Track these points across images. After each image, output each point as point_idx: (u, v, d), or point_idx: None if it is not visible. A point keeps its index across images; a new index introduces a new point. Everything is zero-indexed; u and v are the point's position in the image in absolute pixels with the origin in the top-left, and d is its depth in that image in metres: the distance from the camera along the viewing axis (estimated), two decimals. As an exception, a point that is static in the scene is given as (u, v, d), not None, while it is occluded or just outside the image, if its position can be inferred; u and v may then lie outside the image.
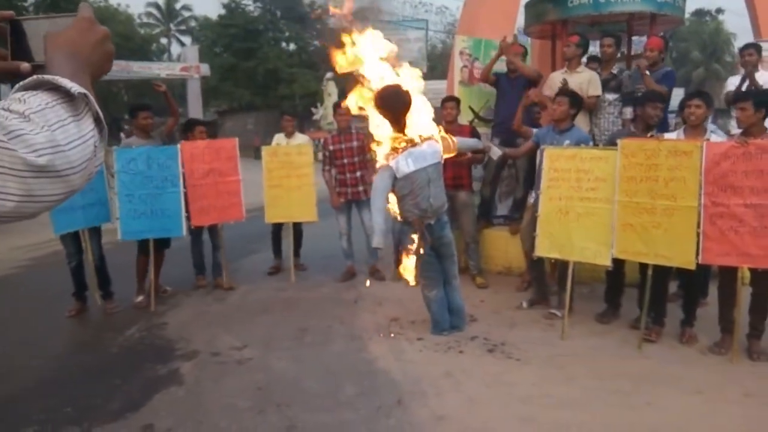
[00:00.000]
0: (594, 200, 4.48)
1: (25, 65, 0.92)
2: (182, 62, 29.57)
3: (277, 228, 6.83)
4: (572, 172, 4.59)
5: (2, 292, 6.43)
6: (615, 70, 6.30)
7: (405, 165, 4.35)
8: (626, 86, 6.06)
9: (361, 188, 6.36)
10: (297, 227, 6.74)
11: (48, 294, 6.08)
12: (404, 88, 4.40)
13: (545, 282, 5.43)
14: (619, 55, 6.83)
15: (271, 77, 35.29)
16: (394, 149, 4.43)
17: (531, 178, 6.11)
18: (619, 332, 4.64)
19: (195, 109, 27.54)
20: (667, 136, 4.66)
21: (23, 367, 4.28)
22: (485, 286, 5.97)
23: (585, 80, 6.01)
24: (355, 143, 6.35)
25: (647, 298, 4.34)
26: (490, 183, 6.59)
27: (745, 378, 3.76)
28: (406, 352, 4.33)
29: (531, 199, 5.27)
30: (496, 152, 5.48)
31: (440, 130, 4.77)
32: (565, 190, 4.61)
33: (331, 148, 6.46)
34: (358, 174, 6.35)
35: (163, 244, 5.81)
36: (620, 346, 4.36)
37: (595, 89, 5.96)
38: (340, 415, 3.40)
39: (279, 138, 6.92)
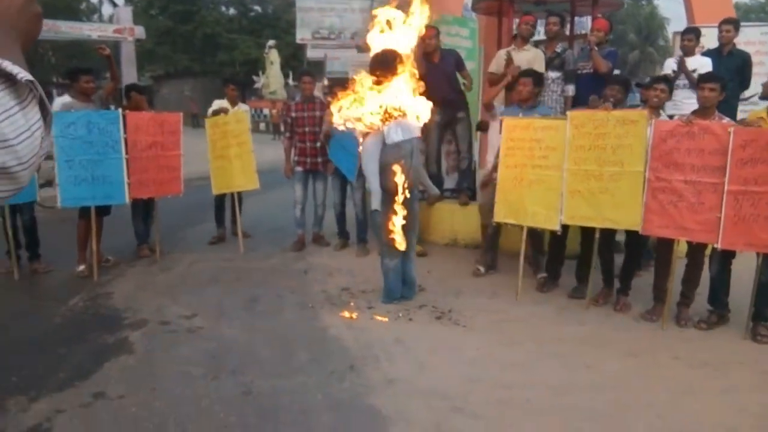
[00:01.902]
0: (545, 168, 4.72)
1: None
2: (115, 24, 28.10)
3: (220, 198, 6.76)
4: (526, 141, 4.83)
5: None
6: (558, 49, 6.50)
7: (395, 133, 4.42)
8: (569, 64, 6.28)
9: (319, 159, 6.40)
10: (238, 196, 6.67)
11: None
12: (399, 54, 4.36)
13: (497, 246, 5.68)
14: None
15: (210, 42, 34.09)
16: (388, 116, 4.44)
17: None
18: (559, 301, 4.90)
19: (129, 73, 26.30)
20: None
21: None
22: (423, 254, 6.08)
23: (531, 58, 6.18)
24: (317, 113, 6.35)
25: (592, 263, 4.65)
26: (435, 160, 6.72)
27: (675, 343, 4.07)
28: (357, 320, 4.43)
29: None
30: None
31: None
32: (520, 158, 4.86)
33: (293, 115, 6.45)
34: (318, 144, 6.35)
35: (103, 211, 5.65)
36: (559, 314, 4.62)
37: (540, 66, 6.14)
38: (295, 380, 3.48)
39: (221, 103, 6.76)
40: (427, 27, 6.31)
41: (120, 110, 5.58)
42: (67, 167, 5.29)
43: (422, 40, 6.12)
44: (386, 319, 4.43)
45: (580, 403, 3.22)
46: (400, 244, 4.48)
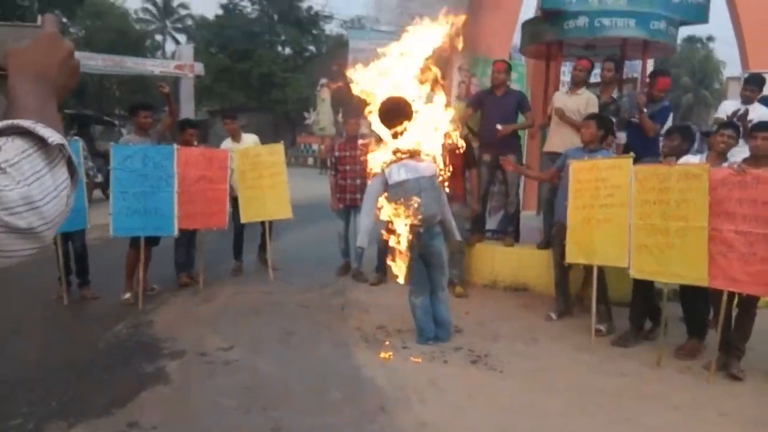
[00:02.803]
0: (611, 206, 4.70)
1: None
2: (177, 60, 29.46)
3: (240, 229, 6.89)
4: (592, 182, 4.87)
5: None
6: (615, 95, 6.44)
7: (397, 174, 4.46)
8: (624, 111, 6.22)
9: (358, 196, 6.54)
10: (269, 225, 6.84)
11: (35, 286, 6.06)
12: (405, 100, 4.46)
13: (569, 292, 5.60)
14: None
15: (265, 80, 35.32)
16: (393, 159, 4.52)
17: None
18: (602, 350, 4.73)
19: (187, 107, 27.41)
20: (687, 159, 4.84)
21: (8, 359, 4.27)
22: (464, 295, 6.06)
23: (583, 102, 6.17)
24: (358, 152, 6.54)
25: (663, 316, 4.52)
26: (482, 198, 6.69)
27: (721, 398, 3.86)
28: (391, 360, 4.39)
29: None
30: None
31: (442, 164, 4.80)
32: (588, 199, 4.88)
33: (336, 154, 6.77)
34: (358, 182, 6.56)
35: (152, 241, 5.85)
36: (601, 363, 4.45)
37: (592, 111, 6.10)
38: (325, 418, 3.45)
39: (226, 143, 6.93)
40: (498, 61, 6.43)
41: (175, 145, 5.81)
42: (121, 198, 5.53)
43: (494, 70, 6.26)
44: (420, 361, 4.37)
45: (619, 460, 3.07)
46: (396, 275, 4.54)
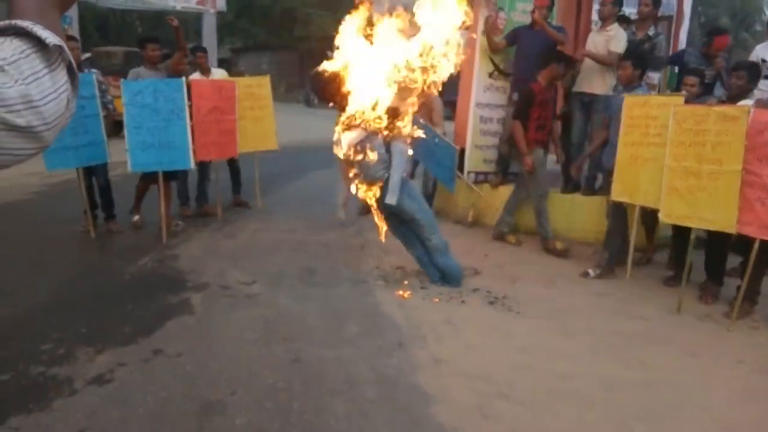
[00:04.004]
0: (658, 146, 4.59)
1: None
2: (198, -5, 28.89)
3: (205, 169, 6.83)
4: (642, 119, 4.78)
5: (17, 217, 6.56)
6: (651, 32, 6.17)
7: (336, 148, 4.42)
8: (659, 49, 5.98)
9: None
10: (233, 165, 6.98)
11: (61, 220, 6.22)
12: (325, 80, 4.25)
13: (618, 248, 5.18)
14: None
15: (288, 17, 34.53)
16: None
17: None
18: (621, 293, 4.73)
19: (210, 44, 27.06)
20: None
21: (39, 289, 4.42)
22: (565, 250, 5.68)
23: (610, 36, 5.94)
24: None
25: (688, 262, 4.46)
26: (507, 140, 6.57)
27: (740, 346, 3.86)
28: (409, 298, 4.45)
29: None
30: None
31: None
32: (637, 136, 4.81)
33: None
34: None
35: (170, 176, 5.96)
36: (620, 307, 4.46)
37: (616, 45, 5.87)
38: (343, 351, 3.54)
39: (194, 76, 6.83)
40: None
41: (183, 78, 5.83)
42: (135, 133, 5.57)
43: (535, 8, 6.04)
44: (438, 300, 4.42)
45: (631, 400, 3.11)
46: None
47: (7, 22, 0.78)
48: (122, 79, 5.82)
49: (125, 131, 5.58)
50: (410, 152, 4.74)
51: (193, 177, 6.67)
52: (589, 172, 6.31)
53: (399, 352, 3.55)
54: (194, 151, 5.86)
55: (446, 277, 4.73)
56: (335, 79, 4.24)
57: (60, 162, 5.36)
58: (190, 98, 5.80)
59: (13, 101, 0.72)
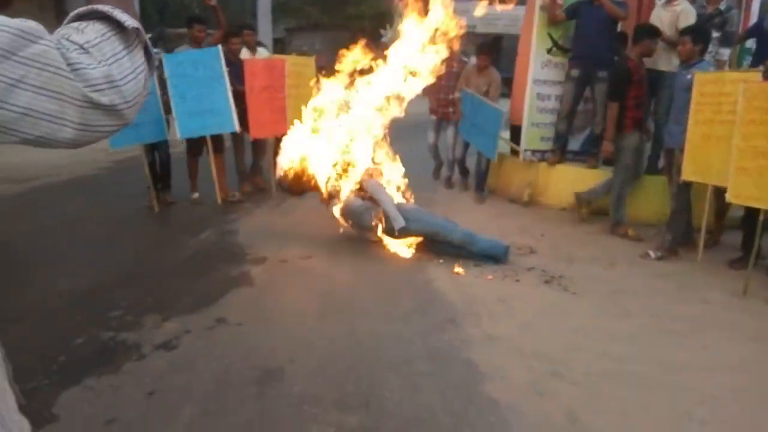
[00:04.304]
0: (732, 123, 4.40)
1: None
2: (252, -25, 29.13)
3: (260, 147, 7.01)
4: (715, 96, 4.61)
5: (87, 192, 6.89)
6: (722, 6, 5.88)
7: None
8: (731, 24, 5.69)
9: (450, 110, 7.10)
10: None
11: (128, 195, 6.49)
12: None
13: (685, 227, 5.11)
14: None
15: (342, -4, 34.47)
16: None
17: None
18: (683, 276, 4.59)
19: (265, 25, 27.34)
20: None
21: (107, 261, 4.65)
22: (638, 238, 5.44)
23: (677, 12, 5.68)
24: (454, 69, 6.96)
25: (756, 244, 4.28)
26: (566, 117, 6.43)
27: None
28: (463, 276, 4.45)
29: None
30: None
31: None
32: (708, 114, 4.65)
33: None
34: (450, 97, 7.04)
35: (218, 148, 6.30)
36: (680, 289, 4.34)
37: (685, 22, 5.62)
38: (397, 326, 3.59)
39: (244, 53, 6.92)
40: None
41: (220, 47, 6.10)
42: (181, 102, 5.91)
43: None
44: (492, 278, 4.40)
45: (691, 384, 3.03)
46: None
47: (89, 7, 0.83)
48: (164, 54, 6.16)
49: (171, 102, 5.90)
50: (381, 181, 5.07)
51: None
52: (652, 151, 6.10)
53: (452, 329, 3.57)
54: (249, 129, 6.23)
55: (491, 257, 4.72)
56: (298, 176, 5.01)
57: (122, 140, 5.66)
58: (241, 77, 6.12)
59: (97, 81, 0.77)
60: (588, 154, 6.55)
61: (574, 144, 6.85)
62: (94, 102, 0.76)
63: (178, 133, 5.97)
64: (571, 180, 6.41)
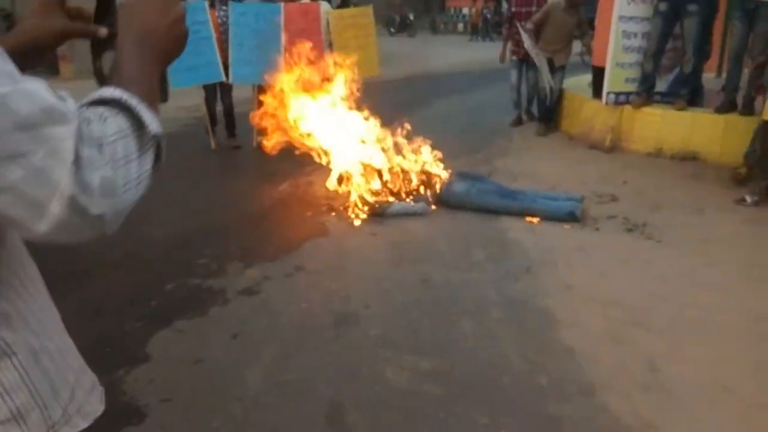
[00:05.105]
0: None
1: (102, 31, 0.92)
2: None
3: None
4: None
5: (174, 148, 7.18)
6: None
7: None
8: None
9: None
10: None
11: (210, 150, 6.75)
12: None
13: None
14: None
15: (415, -61, 33.39)
16: None
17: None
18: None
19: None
20: None
21: (194, 213, 4.88)
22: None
23: None
24: (534, 8, 7.07)
25: None
26: (653, 55, 6.02)
27: None
28: (539, 225, 4.35)
29: None
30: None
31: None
32: None
33: (513, 9, 7.49)
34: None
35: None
36: (777, 237, 4.06)
37: None
38: (470, 275, 3.59)
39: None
40: None
41: (282, 4, 6.39)
42: (238, 49, 6.31)
43: None
44: (569, 227, 4.29)
45: (785, 335, 2.87)
46: None
47: (117, 93, 0.74)
48: (231, 1, 6.42)
49: (229, 47, 6.26)
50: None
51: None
52: (748, 90, 5.63)
53: (527, 277, 3.54)
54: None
55: (562, 217, 4.41)
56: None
57: (183, 81, 6.17)
58: None
59: (94, 187, 0.66)
60: (676, 96, 6.13)
61: (661, 85, 6.42)
62: (81, 209, 0.66)
63: (230, 78, 6.40)
64: (657, 124, 6.06)
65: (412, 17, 28.61)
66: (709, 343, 2.81)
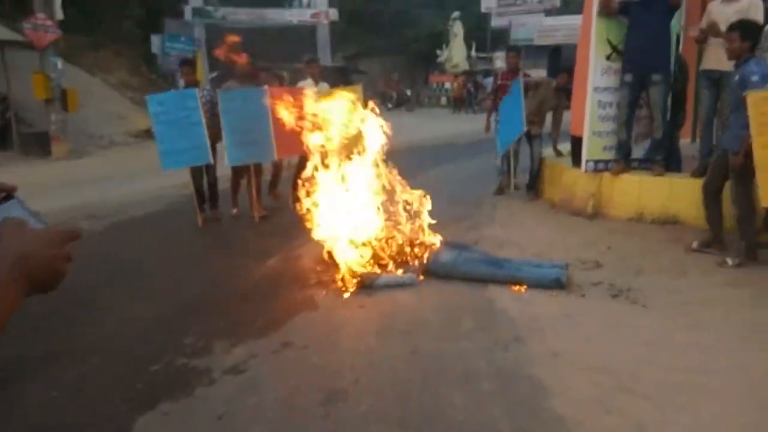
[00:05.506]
0: None
1: None
2: (313, 8, 30.14)
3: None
4: None
5: (161, 225, 7.26)
6: None
7: None
8: None
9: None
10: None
11: (195, 227, 6.81)
12: None
13: (721, 223, 5.10)
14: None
15: (397, 19, 35.07)
16: None
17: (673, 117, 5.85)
18: (761, 283, 4.36)
19: (324, 55, 28.17)
20: None
21: (182, 289, 4.88)
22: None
23: (744, 8, 5.47)
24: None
25: None
26: (625, 124, 6.28)
27: None
28: (525, 293, 4.39)
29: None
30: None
31: None
32: None
33: (499, 82, 8.00)
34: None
35: (259, 171, 7.12)
36: (758, 298, 4.13)
37: (756, 16, 5.39)
38: (459, 345, 3.59)
39: (306, 83, 7.61)
40: None
41: (265, 87, 6.92)
42: (231, 134, 6.66)
43: None
44: (555, 294, 4.33)
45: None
46: None
47: None
48: (219, 90, 6.90)
49: (223, 132, 6.62)
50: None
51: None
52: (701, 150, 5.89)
53: (516, 346, 3.54)
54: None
55: (548, 284, 4.45)
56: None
57: (172, 163, 6.54)
58: None
59: None
60: (653, 162, 6.35)
61: (638, 152, 6.65)
62: None
63: (227, 161, 6.75)
64: (636, 190, 6.23)
65: (409, 93, 29.74)
66: (696, 407, 2.81)
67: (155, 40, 19.63)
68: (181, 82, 8.60)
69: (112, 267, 5.52)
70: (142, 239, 6.51)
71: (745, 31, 4.75)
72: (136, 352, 3.69)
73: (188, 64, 7.54)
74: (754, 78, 4.59)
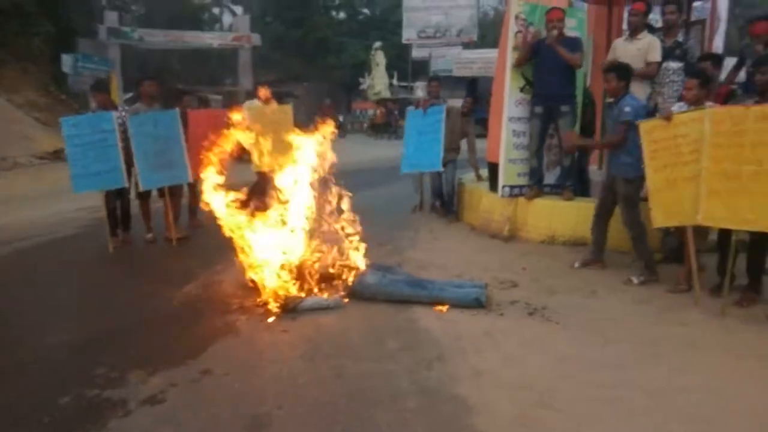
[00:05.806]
0: (698, 162, 4.47)
1: None
2: (234, 32, 29.89)
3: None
4: (670, 140, 4.67)
5: (71, 250, 6.88)
6: (680, 38, 6.17)
7: None
8: (692, 55, 5.96)
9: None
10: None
11: (108, 252, 6.50)
12: None
13: (603, 244, 5.59)
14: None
15: (320, 46, 35.39)
16: None
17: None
18: (662, 300, 4.68)
19: (246, 79, 27.91)
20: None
21: (93, 317, 4.63)
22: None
23: (645, 46, 5.97)
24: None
25: (730, 265, 4.44)
26: (536, 152, 6.63)
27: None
28: (447, 313, 4.49)
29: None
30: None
31: None
32: (668, 158, 4.70)
33: (422, 109, 8.22)
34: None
35: (176, 194, 7.03)
36: (660, 314, 4.42)
37: (654, 55, 5.90)
38: (384, 366, 3.61)
39: (253, 103, 8.02)
40: (555, 9, 6.29)
41: (177, 109, 6.89)
42: (143, 158, 6.57)
43: (547, 21, 6.17)
44: (476, 313, 4.45)
45: (675, 406, 3.08)
46: None
47: None
48: (129, 115, 6.68)
49: (134, 157, 6.46)
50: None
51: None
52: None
53: (439, 365, 3.60)
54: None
55: (469, 304, 4.60)
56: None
57: (85, 185, 6.40)
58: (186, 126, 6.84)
59: None
60: (563, 188, 6.70)
61: (550, 178, 7.01)
62: None
63: (140, 185, 6.61)
64: (548, 214, 6.55)
65: (341, 119, 29.84)
66: (610, 420, 2.96)
67: (66, 59, 18.79)
68: (93, 104, 8.23)
69: (16, 295, 5.16)
70: (49, 265, 6.13)
71: (620, 72, 5.27)
72: (41, 384, 3.45)
73: (98, 87, 7.34)
74: (627, 109, 5.11)
